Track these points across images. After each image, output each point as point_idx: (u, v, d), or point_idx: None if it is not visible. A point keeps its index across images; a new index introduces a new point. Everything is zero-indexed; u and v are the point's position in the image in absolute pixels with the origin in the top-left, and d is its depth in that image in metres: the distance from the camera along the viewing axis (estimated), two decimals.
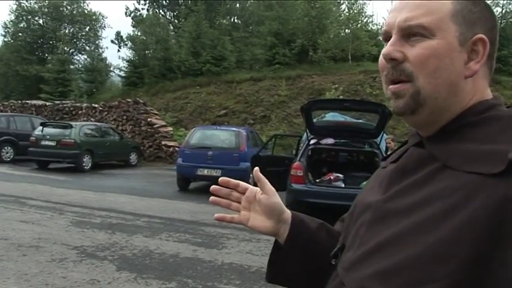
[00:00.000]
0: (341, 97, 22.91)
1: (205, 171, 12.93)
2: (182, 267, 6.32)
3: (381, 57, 0.95)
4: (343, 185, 9.93)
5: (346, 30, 30.37)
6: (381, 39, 1.04)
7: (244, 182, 1.24)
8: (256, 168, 1.18)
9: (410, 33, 0.90)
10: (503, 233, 0.73)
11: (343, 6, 34.20)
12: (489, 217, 0.74)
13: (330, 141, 10.42)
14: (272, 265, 1.22)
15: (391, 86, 0.93)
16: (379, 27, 32.54)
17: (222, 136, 13.89)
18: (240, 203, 1.24)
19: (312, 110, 9.96)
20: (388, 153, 1.23)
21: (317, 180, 10.05)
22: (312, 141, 10.35)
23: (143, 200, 11.43)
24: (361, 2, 31.39)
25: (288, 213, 1.21)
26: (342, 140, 10.48)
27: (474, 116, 0.89)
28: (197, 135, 13.83)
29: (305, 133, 12.33)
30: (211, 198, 1.24)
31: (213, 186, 1.24)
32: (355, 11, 30.98)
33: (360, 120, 10.91)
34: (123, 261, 6.47)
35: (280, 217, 1.20)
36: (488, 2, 0.97)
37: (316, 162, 10.66)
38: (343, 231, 1.08)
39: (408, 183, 0.89)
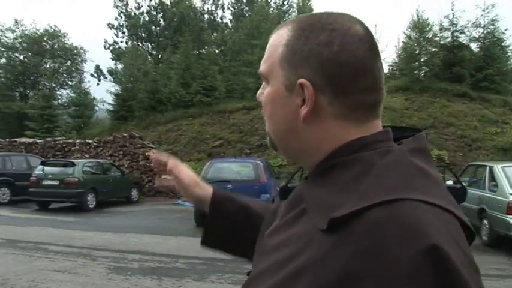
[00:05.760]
0: None
1: None
2: None
3: None
4: None
5: None
6: None
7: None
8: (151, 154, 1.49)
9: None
10: None
11: None
12: (311, 275, 0.72)
13: None
14: (204, 232, 1.37)
15: None
16: None
17: (240, 168, 13.50)
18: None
19: None
20: None
21: None
22: None
23: (168, 239, 10.92)
24: None
25: (206, 192, 1.37)
26: None
27: (340, 157, 0.82)
28: (214, 169, 13.39)
29: None
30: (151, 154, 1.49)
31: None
32: None
33: None
34: None
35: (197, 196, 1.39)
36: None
37: None
38: None
39: (285, 220, 0.87)
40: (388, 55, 50.58)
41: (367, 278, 0.66)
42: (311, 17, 0.87)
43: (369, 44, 0.84)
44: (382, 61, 0.87)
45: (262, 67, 0.90)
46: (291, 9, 47.73)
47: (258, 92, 0.94)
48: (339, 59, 0.81)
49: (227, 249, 1.38)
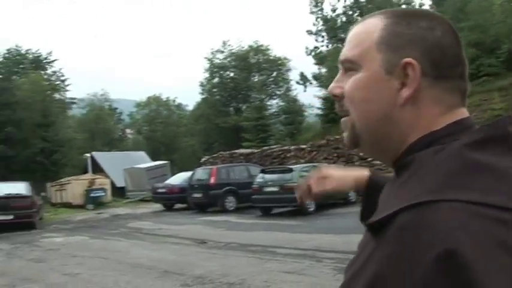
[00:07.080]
0: None
1: None
2: None
3: None
4: None
5: None
6: None
7: None
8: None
9: (345, 67, 0.89)
10: None
11: None
12: (361, 279, 0.73)
13: None
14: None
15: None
16: None
17: None
18: None
19: None
20: None
21: None
22: None
23: None
24: None
25: (356, 180, 1.37)
26: None
27: (411, 153, 0.81)
28: None
29: None
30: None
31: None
32: None
33: None
34: None
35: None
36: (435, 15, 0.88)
37: None
38: None
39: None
40: None
41: (389, 284, 0.66)
42: (402, 9, 0.91)
43: (456, 34, 0.86)
44: None
45: (350, 53, 0.87)
46: None
47: (332, 86, 0.91)
48: (442, 44, 0.83)
49: None
